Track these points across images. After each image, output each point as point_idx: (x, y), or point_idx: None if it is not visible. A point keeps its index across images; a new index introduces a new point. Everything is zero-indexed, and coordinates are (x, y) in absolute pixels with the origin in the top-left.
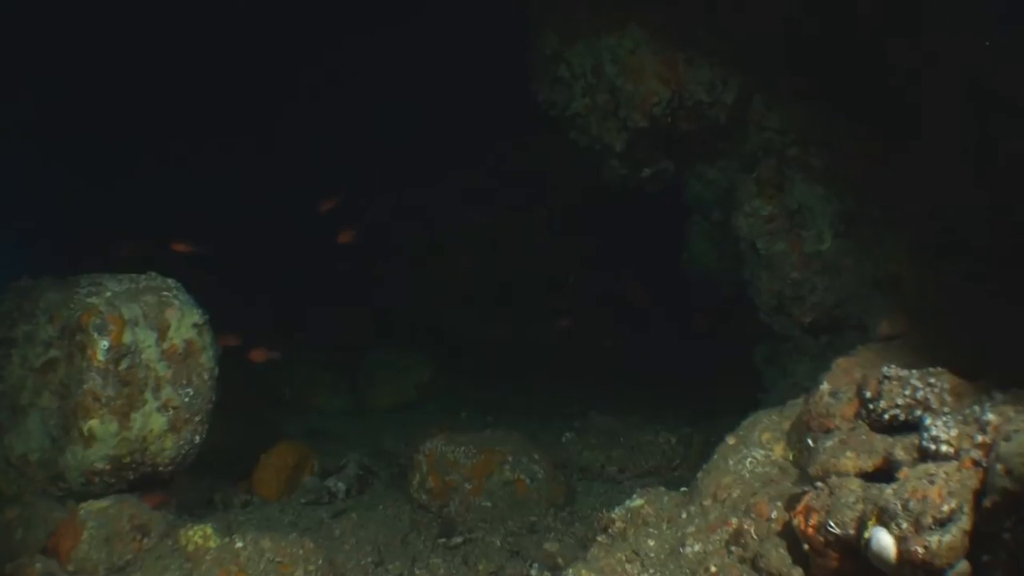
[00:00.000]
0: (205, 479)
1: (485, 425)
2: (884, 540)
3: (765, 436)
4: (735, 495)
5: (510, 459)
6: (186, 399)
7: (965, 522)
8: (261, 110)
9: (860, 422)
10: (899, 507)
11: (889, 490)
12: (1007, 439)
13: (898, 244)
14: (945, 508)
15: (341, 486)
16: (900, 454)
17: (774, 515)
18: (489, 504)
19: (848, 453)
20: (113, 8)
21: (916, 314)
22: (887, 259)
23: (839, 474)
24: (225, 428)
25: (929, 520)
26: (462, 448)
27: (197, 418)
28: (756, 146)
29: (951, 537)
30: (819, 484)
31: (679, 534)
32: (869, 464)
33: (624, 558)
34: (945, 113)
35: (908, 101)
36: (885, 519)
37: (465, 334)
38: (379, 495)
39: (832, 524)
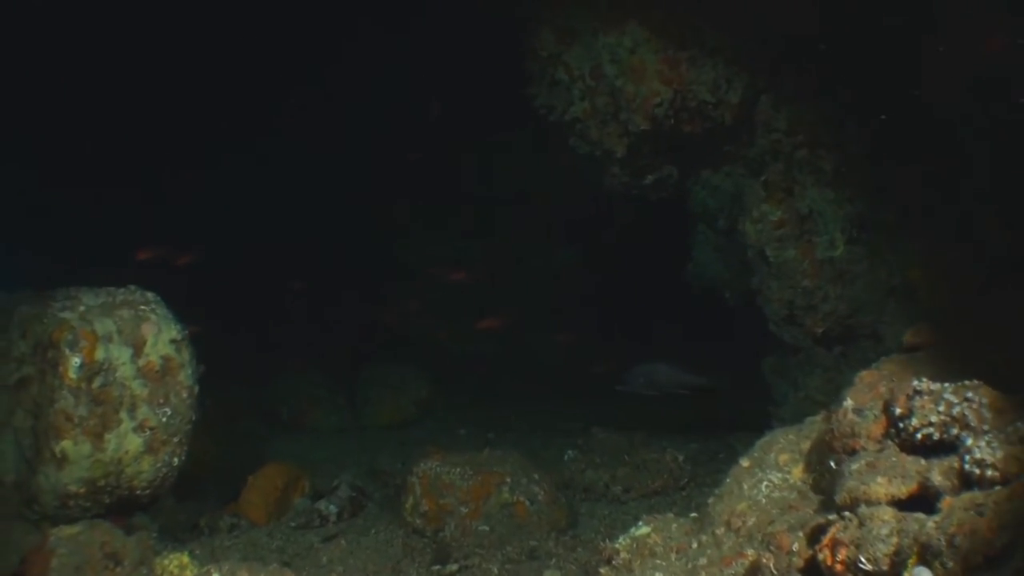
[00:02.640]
0: (192, 502)
1: (486, 442)
2: None
3: (782, 458)
4: (751, 523)
5: (508, 480)
6: (164, 419)
7: (1021, 560)
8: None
9: (889, 442)
10: (943, 543)
11: (931, 523)
12: None
13: (914, 250)
14: (998, 544)
15: (332, 509)
16: (938, 479)
17: (795, 547)
18: (487, 528)
19: (879, 479)
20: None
21: (938, 323)
22: (902, 265)
23: (869, 502)
24: (214, 448)
25: (979, 559)
26: (458, 469)
27: (176, 439)
28: (763, 149)
29: None
30: (847, 514)
31: (689, 566)
32: (903, 491)
33: None
34: (959, 111)
35: (922, 100)
36: (928, 557)
37: (465, 348)
38: (372, 518)
39: (863, 560)
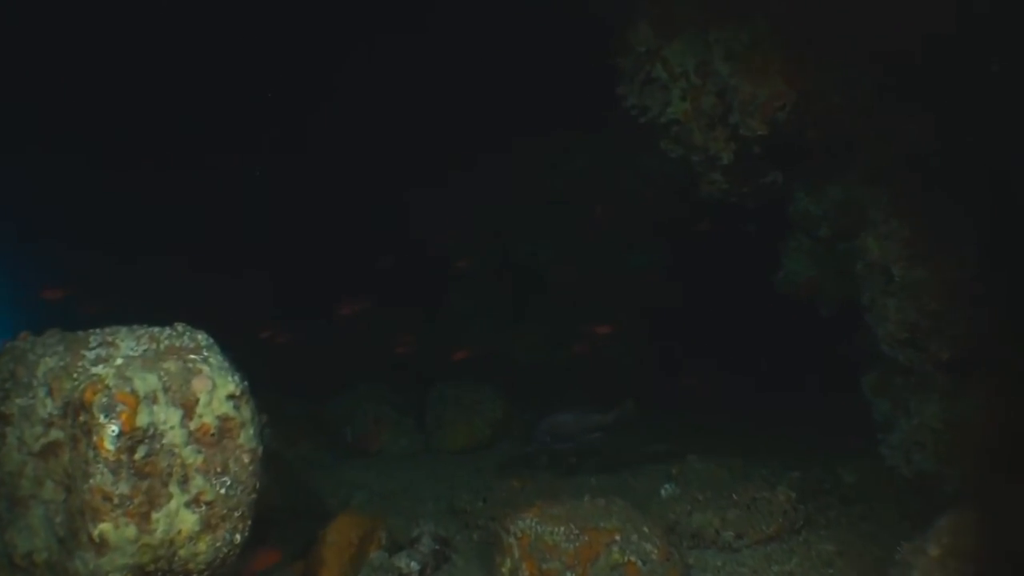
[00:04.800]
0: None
1: (567, 469)
2: None
3: None
4: None
5: (618, 538)
6: (222, 491)
7: None
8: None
9: None
10: None
11: None
12: None
13: None
14: None
15: (414, 566)
16: None
17: None
18: None
19: None
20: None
21: None
22: None
23: None
24: (276, 484)
25: None
26: (561, 529)
27: (237, 513)
28: (891, 157)
29: None
30: None
31: None
32: None
33: None
34: None
35: None
36: None
37: (534, 360)
38: (459, 572)
39: None
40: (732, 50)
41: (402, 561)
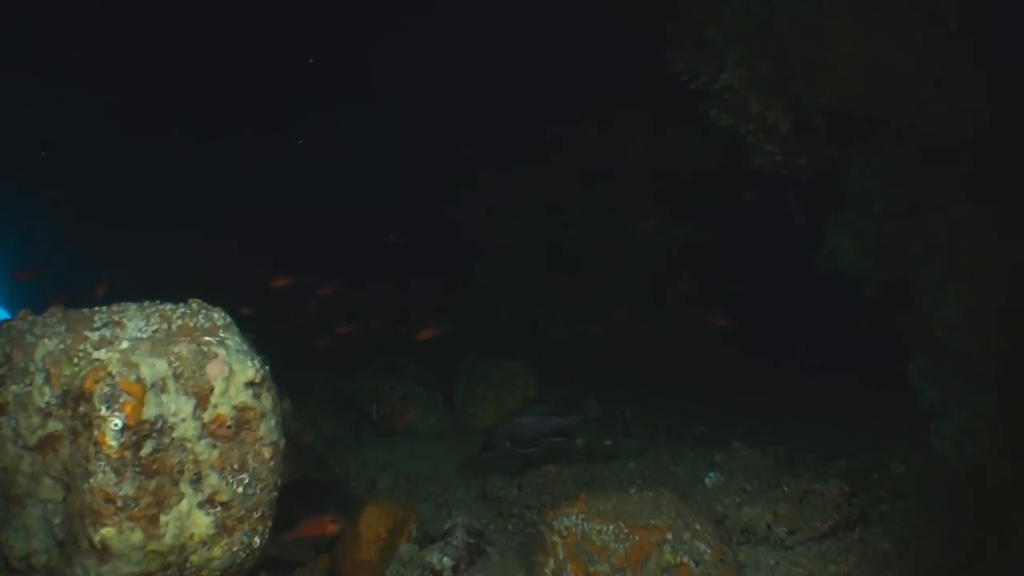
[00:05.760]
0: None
1: (604, 451)
2: None
3: None
4: None
5: (670, 537)
6: (240, 489)
7: None
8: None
9: None
10: None
11: None
12: None
13: None
14: None
15: (447, 561)
16: None
17: None
18: None
19: None
20: None
21: None
22: None
23: None
24: (297, 468)
25: None
26: (611, 527)
27: (256, 513)
28: (963, 132)
29: None
30: None
31: None
32: None
33: None
34: None
35: None
36: None
37: (565, 332)
38: (495, 570)
39: None
40: (798, 12)
41: (434, 556)
